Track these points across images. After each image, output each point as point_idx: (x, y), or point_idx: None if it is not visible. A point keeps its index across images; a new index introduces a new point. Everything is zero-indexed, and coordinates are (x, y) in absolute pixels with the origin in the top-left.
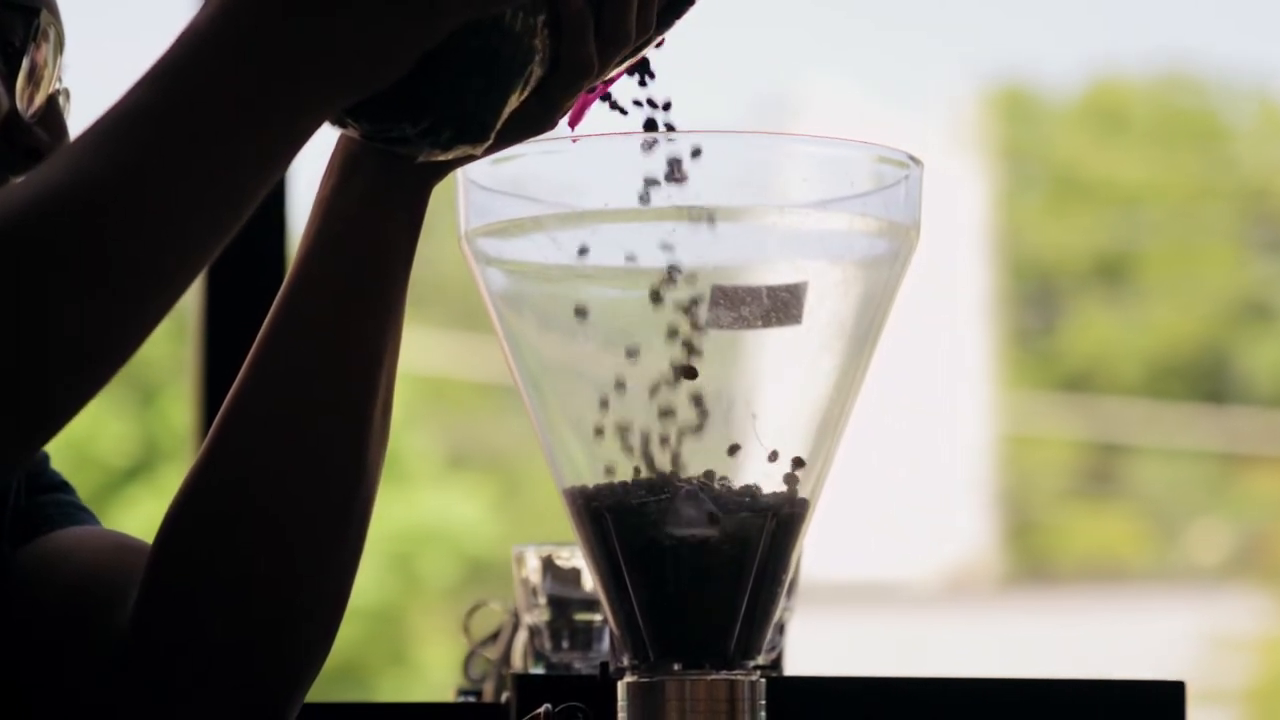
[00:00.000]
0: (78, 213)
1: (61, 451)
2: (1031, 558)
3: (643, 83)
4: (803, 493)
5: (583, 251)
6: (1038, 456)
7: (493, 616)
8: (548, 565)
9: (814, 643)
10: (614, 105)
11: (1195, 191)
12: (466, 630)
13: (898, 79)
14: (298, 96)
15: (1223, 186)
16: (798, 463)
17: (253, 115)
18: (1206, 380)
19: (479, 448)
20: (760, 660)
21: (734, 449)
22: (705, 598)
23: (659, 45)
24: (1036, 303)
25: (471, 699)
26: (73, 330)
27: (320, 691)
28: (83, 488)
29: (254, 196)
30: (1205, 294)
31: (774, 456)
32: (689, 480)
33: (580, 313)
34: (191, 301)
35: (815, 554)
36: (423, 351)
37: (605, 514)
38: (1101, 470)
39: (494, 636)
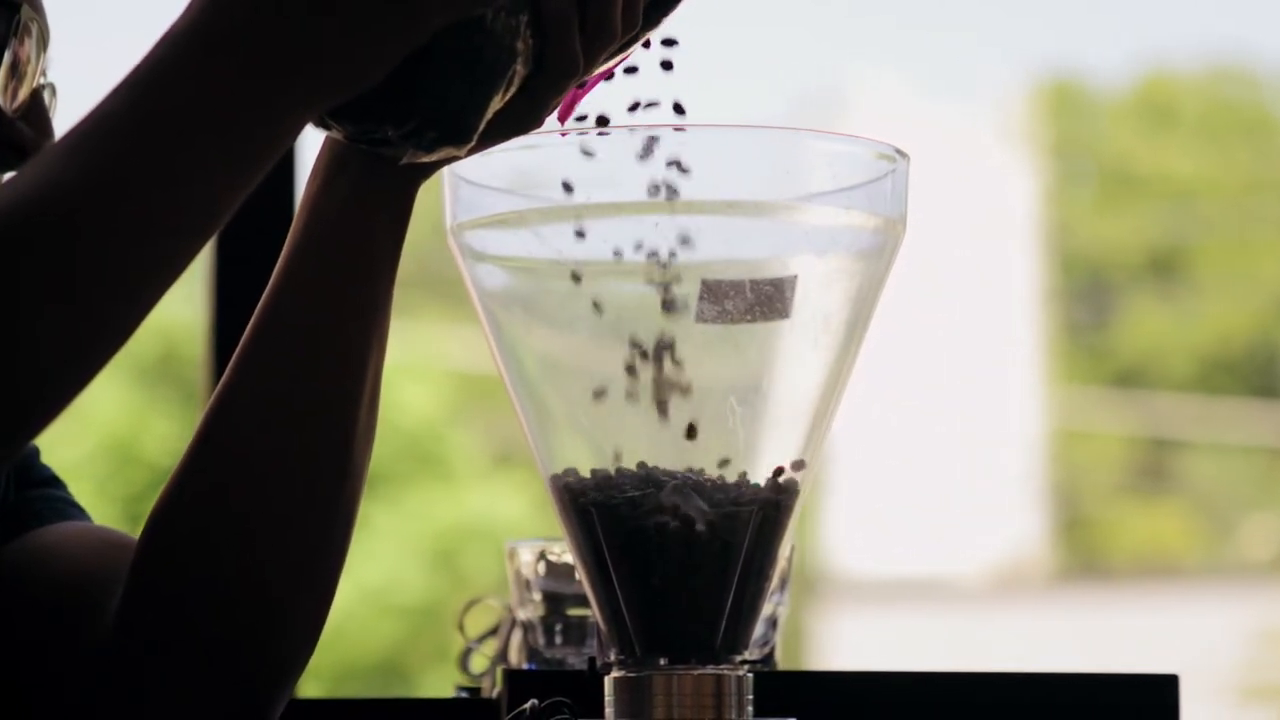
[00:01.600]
0: (52, 220)
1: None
2: (1083, 553)
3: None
4: (789, 486)
5: (580, 234)
6: (1089, 452)
7: (491, 613)
8: (541, 560)
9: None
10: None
11: (1247, 185)
12: (461, 627)
13: (947, 74)
14: (277, 101)
15: (1275, 180)
16: (797, 465)
17: (231, 120)
18: (1258, 375)
19: (524, 446)
20: (752, 655)
21: (723, 462)
22: (691, 592)
23: (646, 45)
24: (1087, 298)
25: (465, 695)
26: (50, 336)
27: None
28: (127, 487)
29: (233, 201)
30: (1257, 288)
31: (779, 472)
32: (674, 474)
33: (566, 307)
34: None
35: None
36: (467, 350)
37: (591, 508)
38: (1153, 465)
39: (492, 632)
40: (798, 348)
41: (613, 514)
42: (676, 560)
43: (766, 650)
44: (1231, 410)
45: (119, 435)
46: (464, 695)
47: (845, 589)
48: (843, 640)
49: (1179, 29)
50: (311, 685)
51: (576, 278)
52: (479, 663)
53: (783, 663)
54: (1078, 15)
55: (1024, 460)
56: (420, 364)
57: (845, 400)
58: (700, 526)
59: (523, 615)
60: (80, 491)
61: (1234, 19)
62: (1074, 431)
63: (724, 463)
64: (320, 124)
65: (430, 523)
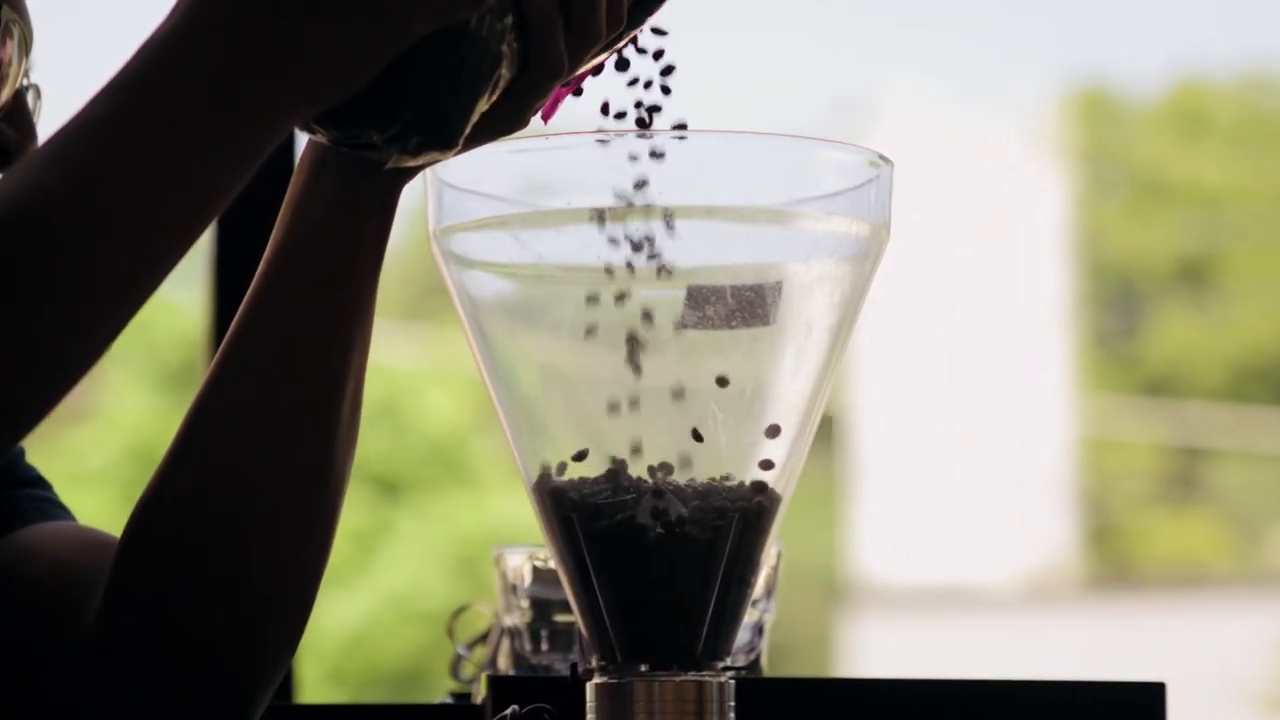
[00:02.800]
0: (37, 223)
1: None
2: (1112, 562)
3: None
4: (770, 491)
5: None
6: (1119, 460)
7: (482, 619)
8: (528, 566)
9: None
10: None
11: (1278, 193)
12: (451, 633)
13: (979, 81)
14: (260, 106)
15: None
16: (765, 464)
17: (215, 125)
18: None
19: None
20: (738, 661)
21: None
22: (672, 598)
23: (633, 44)
24: (1118, 306)
25: (450, 701)
26: (35, 340)
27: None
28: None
29: (218, 204)
30: None
31: (768, 465)
32: (655, 478)
33: (548, 311)
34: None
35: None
36: None
37: (572, 513)
38: (1183, 474)
39: (483, 638)
40: (781, 353)
41: (594, 519)
42: (657, 566)
43: (753, 657)
44: (1262, 419)
45: (144, 440)
46: (449, 701)
47: (874, 597)
48: (871, 648)
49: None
50: (336, 690)
51: (559, 283)
52: (470, 669)
53: (809, 671)
54: (1110, 23)
55: (1054, 468)
56: (444, 371)
57: (825, 405)
58: (681, 532)
59: (509, 621)
60: (106, 497)
61: (1266, 28)
62: (1104, 440)
63: (706, 468)
64: (305, 128)
65: (454, 529)
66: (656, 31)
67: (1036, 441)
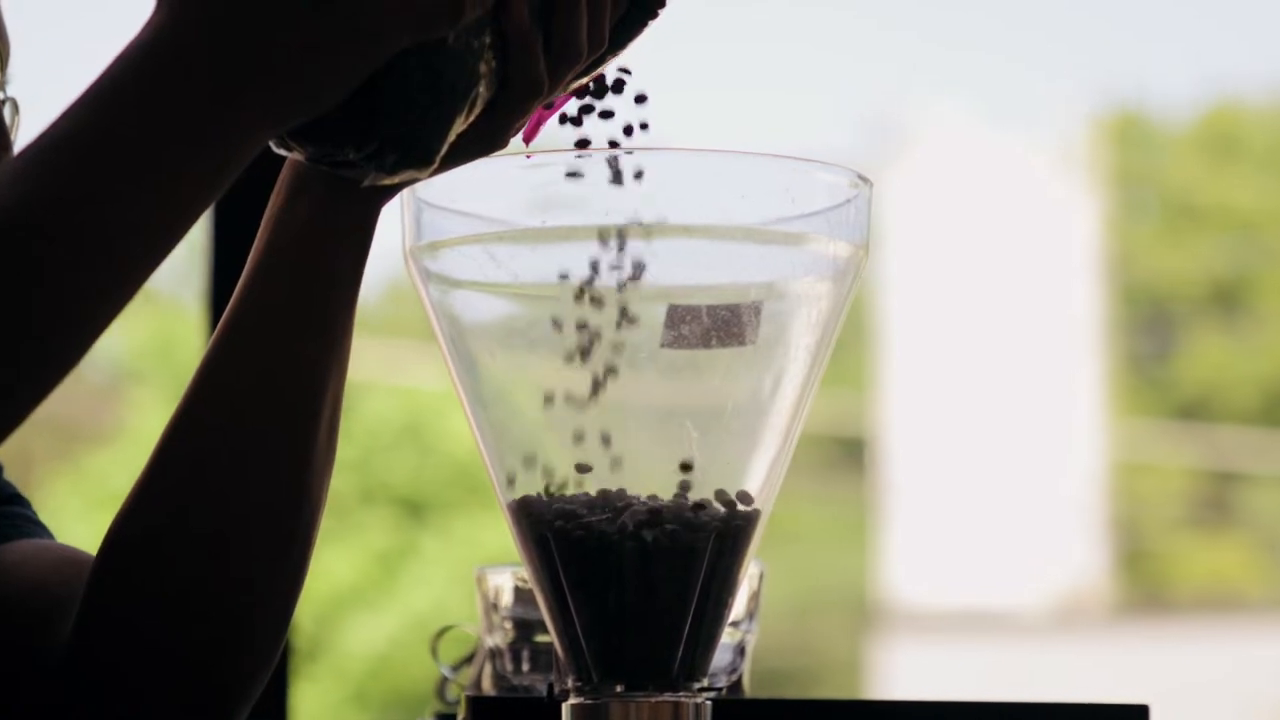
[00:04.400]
0: (10, 235)
1: None
2: (1144, 586)
3: (600, 95)
4: (746, 512)
5: (563, 277)
6: (1151, 484)
7: (467, 640)
8: (510, 586)
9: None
10: (567, 119)
11: None
12: (434, 653)
13: (1011, 104)
14: (234, 122)
15: None
16: (743, 497)
17: (186, 139)
18: None
19: None
20: (719, 683)
21: (681, 487)
22: (647, 618)
23: (616, 64)
24: (1150, 329)
25: None
26: (6, 351)
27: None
28: None
29: (191, 216)
30: None
31: (745, 499)
32: (630, 498)
33: (523, 330)
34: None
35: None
36: None
37: (547, 533)
38: (1216, 498)
39: (470, 659)
40: (759, 372)
41: (568, 538)
42: (633, 585)
43: (735, 678)
44: None
45: None
46: None
47: (906, 620)
48: (902, 672)
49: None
50: (359, 712)
51: (535, 301)
52: (455, 690)
53: (839, 694)
54: (1143, 46)
55: (1085, 492)
56: None
57: (803, 423)
58: (657, 551)
59: (492, 642)
60: None
61: None
62: (1135, 464)
63: (682, 487)
64: (281, 144)
65: (479, 550)
66: (622, 71)
67: (1068, 465)
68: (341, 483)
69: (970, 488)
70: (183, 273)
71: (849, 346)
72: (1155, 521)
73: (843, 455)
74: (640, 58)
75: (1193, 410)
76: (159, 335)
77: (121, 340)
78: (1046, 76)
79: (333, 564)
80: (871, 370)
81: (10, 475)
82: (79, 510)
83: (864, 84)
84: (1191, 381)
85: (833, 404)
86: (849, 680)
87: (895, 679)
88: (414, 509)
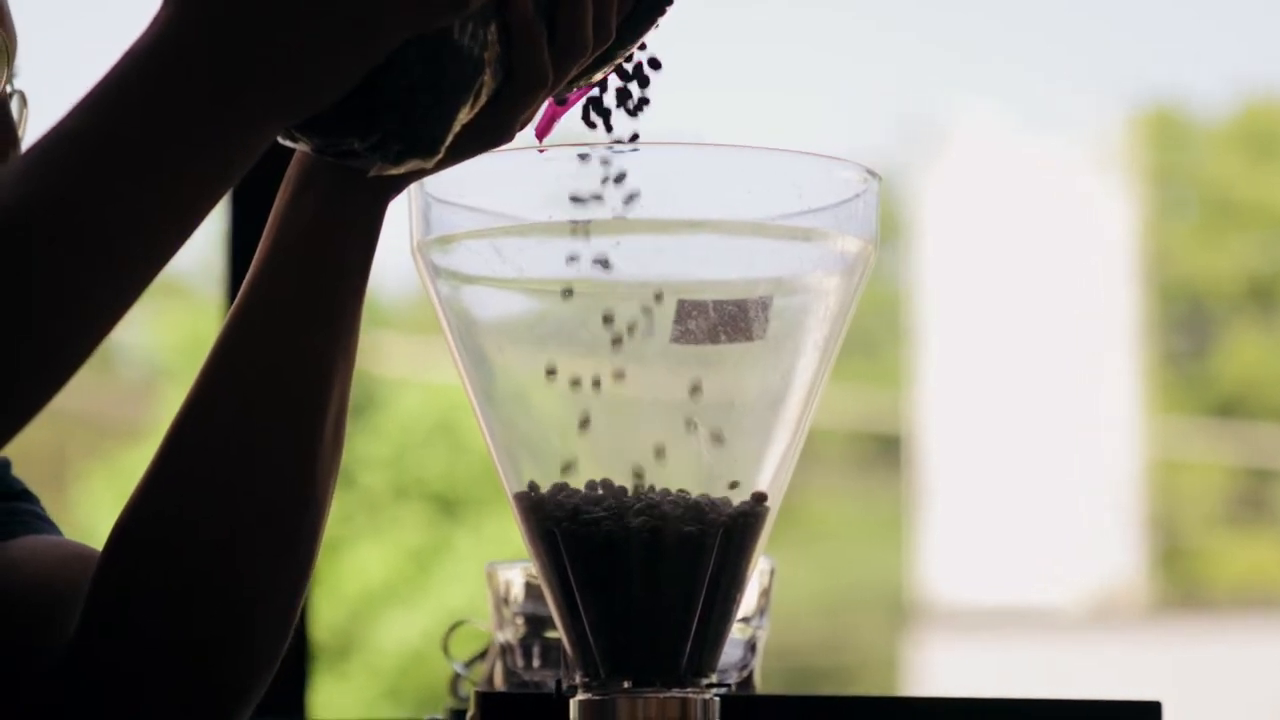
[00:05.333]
0: (16, 234)
1: None
2: (1181, 584)
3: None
4: (755, 507)
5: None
6: (1188, 482)
7: (481, 636)
8: (520, 581)
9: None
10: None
11: None
12: (446, 650)
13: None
14: (237, 118)
15: None
16: (758, 497)
17: (190, 138)
18: None
19: None
20: (730, 679)
21: (713, 477)
22: (654, 613)
23: (629, 60)
24: (1186, 326)
25: (437, 718)
26: (10, 350)
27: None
28: None
29: (198, 213)
30: None
31: (712, 479)
32: (638, 492)
33: (530, 325)
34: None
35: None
36: None
37: (554, 527)
38: (1252, 495)
39: (483, 655)
40: (767, 367)
41: (576, 532)
42: (639, 581)
43: (746, 674)
44: None
45: None
46: (436, 718)
47: (942, 618)
48: (939, 669)
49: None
50: (394, 707)
51: (542, 296)
52: (468, 686)
53: (876, 691)
54: (1178, 44)
55: (1122, 490)
56: None
57: (811, 419)
58: (664, 546)
59: (503, 638)
60: None
61: None
62: (1173, 461)
63: (691, 481)
64: (287, 136)
65: (511, 546)
66: (654, 64)
67: (1105, 463)
68: (374, 479)
69: (1006, 485)
70: (216, 269)
71: (886, 344)
72: (1192, 519)
73: (879, 452)
74: (678, 58)
75: (1230, 407)
76: (191, 332)
77: (154, 337)
78: (1083, 75)
79: (366, 560)
80: (908, 368)
81: (44, 471)
82: (112, 506)
83: (901, 85)
84: (1228, 379)
85: (869, 401)
86: (885, 678)
87: (931, 676)
88: (446, 505)
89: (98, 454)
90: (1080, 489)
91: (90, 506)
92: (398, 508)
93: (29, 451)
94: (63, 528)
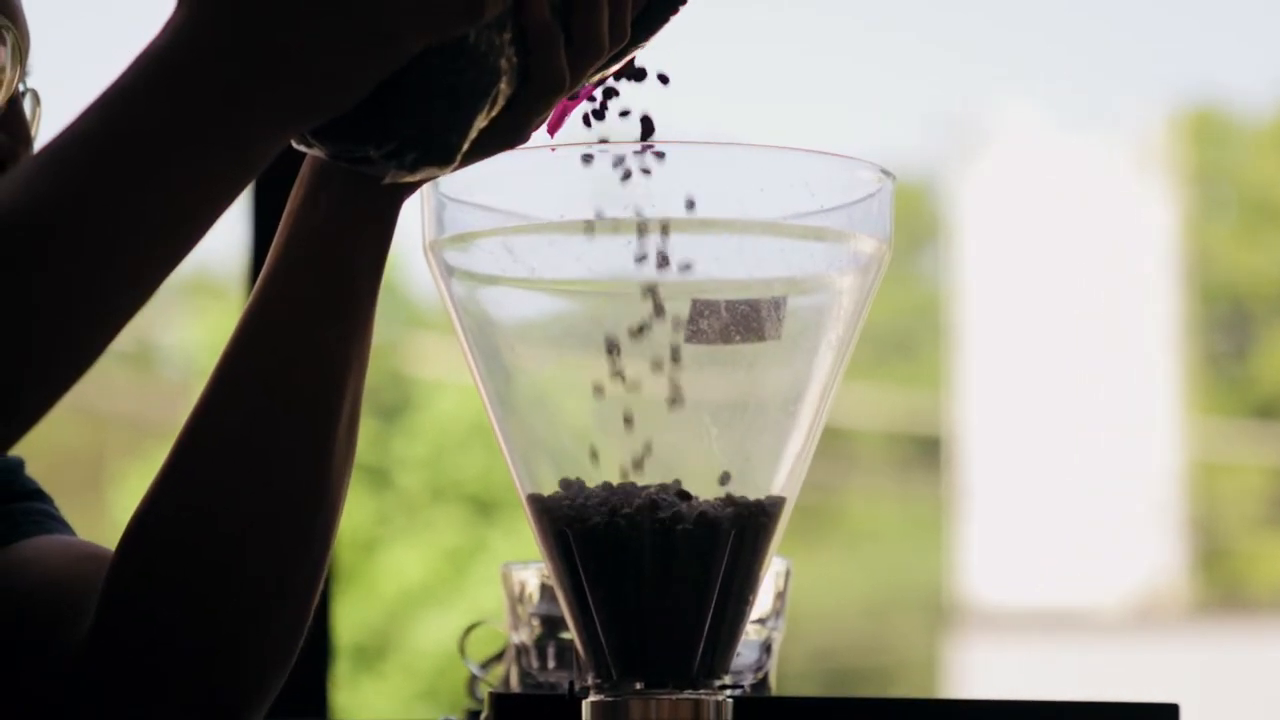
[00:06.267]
0: (22, 235)
1: None
2: (1222, 585)
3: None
4: (768, 507)
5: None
6: (1229, 483)
7: (499, 637)
8: (536, 583)
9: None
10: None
11: None
12: (463, 651)
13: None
14: (249, 123)
15: None
16: (771, 492)
17: (203, 142)
18: None
19: None
20: (745, 680)
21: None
22: (666, 614)
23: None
24: (1228, 327)
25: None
26: (19, 353)
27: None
28: None
29: (210, 218)
30: None
31: (724, 479)
32: (650, 493)
33: (543, 325)
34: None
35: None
36: None
37: (566, 528)
38: None
39: (499, 656)
40: (781, 367)
41: (587, 533)
42: (651, 581)
43: (761, 675)
44: None
45: None
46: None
47: (982, 619)
48: (979, 670)
49: None
50: (430, 708)
51: (554, 295)
52: (486, 688)
53: (916, 693)
54: (1219, 44)
55: (1163, 491)
56: None
57: (825, 418)
58: (676, 547)
59: (518, 639)
60: None
61: None
62: (1213, 462)
63: (704, 483)
64: (301, 142)
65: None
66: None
67: (1145, 464)
68: (412, 481)
69: (1047, 486)
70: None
71: (926, 346)
72: (1233, 520)
73: (919, 454)
74: (716, 60)
75: (1271, 409)
76: (229, 332)
77: (193, 337)
78: (1124, 75)
79: (403, 562)
80: (948, 369)
81: (83, 472)
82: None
83: (941, 84)
84: (1269, 380)
85: (909, 403)
86: (924, 679)
87: (971, 678)
88: (483, 507)
89: (137, 454)
90: (1120, 490)
91: (129, 506)
92: (434, 509)
93: (69, 453)
94: (101, 528)
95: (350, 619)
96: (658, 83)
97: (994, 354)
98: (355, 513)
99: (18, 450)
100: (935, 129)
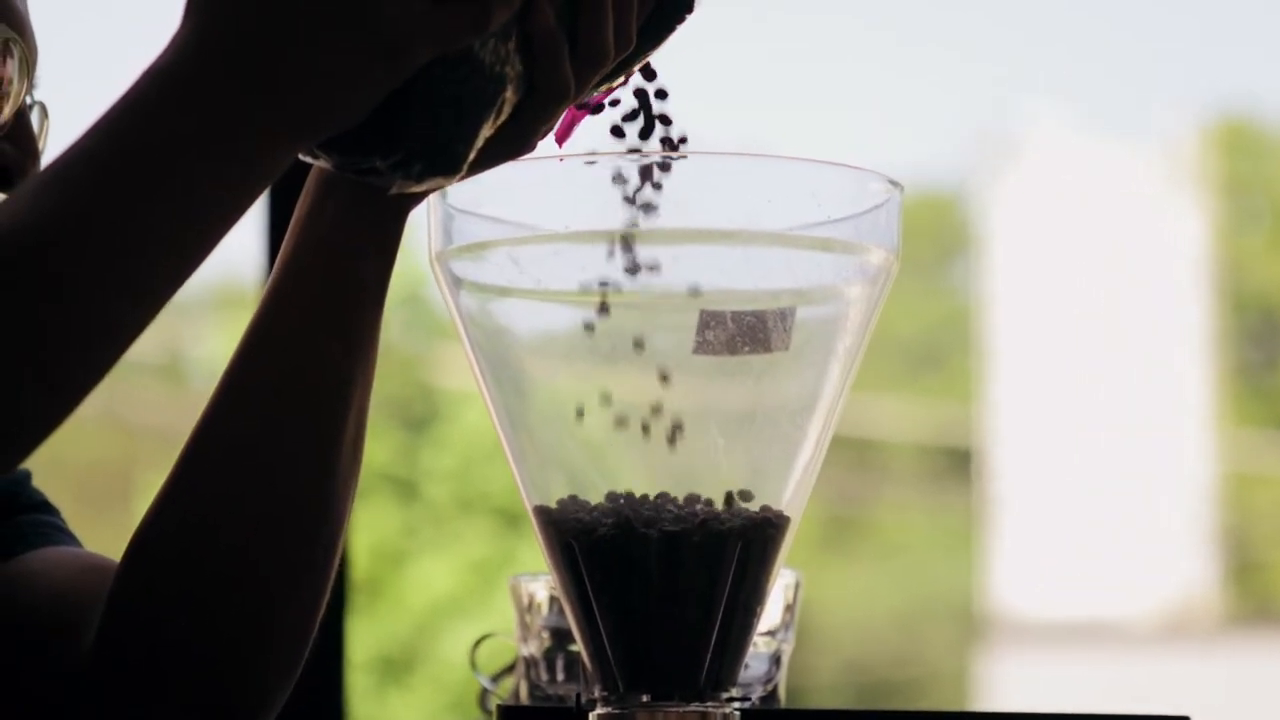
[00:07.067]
0: (32, 251)
1: None
2: (1253, 598)
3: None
4: (775, 519)
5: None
6: (1260, 495)
7: (509, 649)
8: (545, 595)
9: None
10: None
11: None
12: (473, 663)
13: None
14: (260, 135)
15: None
16: (778, 503)
17: (209, 158)
18: None
19: None
20: (755, 693)
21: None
22: (672, 626)
23: (647, 74)
24: (1259, 339)
25: None
26: (23, 370)
27: None
28: None
29: (218, 233)
30: None
31: (746, 496)
32: (656, 504)
33: (550, 336)
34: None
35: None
36: None
37: (572, 540)
38: None
39: (511, 669)
40: (790, 379)
41: (594, 545)
42: (657, 593)
43: (770, 688)
44: None
45: None
46: None
47: (1013, 631)
48: (1009, 683)
49: None
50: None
51: (560, 306)
52: (496, 700)
53: (947, 705)
54: (1251, 54)
55: (1194, 503)
56: None
57: (832, 432)
58: (682, 558)
59: (527, 651)
60: None
61: None
62: (1245, 474)
63: (708, 494)
64: (308, 154)
65: None
66: (647, 74)
67: (1176, 476)
68: (440, 492)
69: (1078, 498)
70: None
71: (956, 357)
72: (1265, 533)
73: (950, 466)
74: (746, 69)
75: None
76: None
77: (222, 348)
78: (1155, 85)
79: (431, 573)
80: (979, 381)
81: (114, 484)
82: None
83: (970, 94)
84: None
85: (940, 414)
86: (956, 691)
87: (1003, 690)
88: (511, 519)
89: (166, 466)
90: (1151, 502)
91: None
92: (462, 521)
93: (99, 464)
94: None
95: (377, 631)
96: (670, 88)
97: (1024, 365)
98: (383, 524)
99: (41, 461)
100: (966, 140)
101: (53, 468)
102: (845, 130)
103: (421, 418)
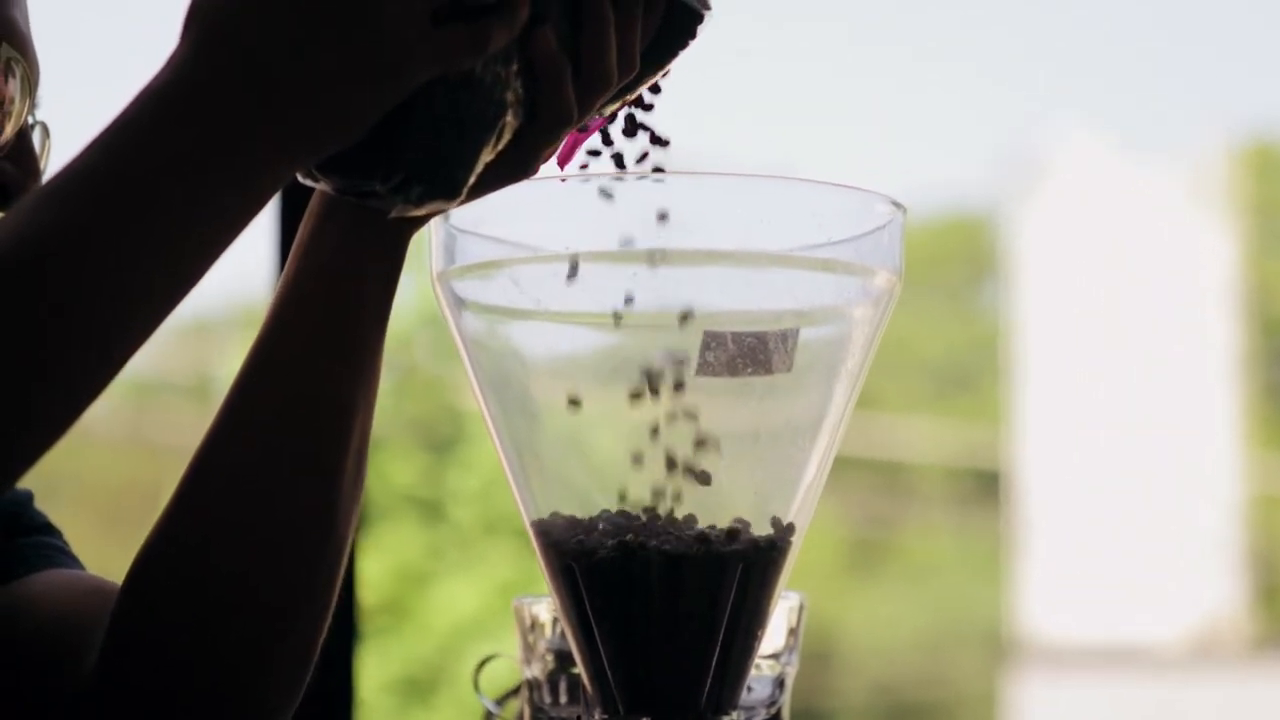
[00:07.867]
0: (22, 270)
1: None
2: None
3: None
4: (777, 540)
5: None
6: None
7: (514, 671)
8: (548, 616)
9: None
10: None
11: None
12: (476, 685)
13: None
14: (257, 155)
15: None
16: (780, 525)
17: (206, 178)
18: None
19: None
20: (760, 716)
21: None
22: (673, 648)
23: (655, 91)
24: None
25: None
26: (16, 391)
27: None
28: None
29: (214, 254)
30: None
31: (734, 518)
32: (657, 525)
33: (551, 356)
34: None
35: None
36: None
37: (571, 561)
38: None
39: (516, 691)
40: (793, 400)
41: (594, 567)
42: (658, 615)
43: (774, 711)
44: None
45: None
46: None
47: (1041, 654)
48: (1037, 706)
49: None
50: None
51: (560, 326)
52: None
53: None
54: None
55: (1223, 526)
56: None
57: (836, 454)
58: (683, 581)
59: (530, 673)
60: None
61: None
62: (1273, 497)
63: (713, 515)
64: (307, 176)
65: None
66: (653, 90)
67: (1205, 499)
68: (464, 514)
69: (1107, 521)
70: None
71: (985, 379)
72: None
73: (979, 488)
74: (778, 92)
75: None
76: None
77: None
78: (1185, 107)
79: (455, 595)
80: (1007, 403)
81: (142, 502)
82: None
83: (999, 115)
84: None
85: (969, 437)
86: (983, 714)
87: (1030, 713)
88: None
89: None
90: (1181, 525)
91: None
92: (487, 542)
93: (127, 484)
94: None
95: (402, 652)
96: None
97: (1053, 387)
98: (407, 546)
99: (70, 482)
100: (996, 162)
101: (82, 489)
102: (875, 152)
103: (446, 440)
